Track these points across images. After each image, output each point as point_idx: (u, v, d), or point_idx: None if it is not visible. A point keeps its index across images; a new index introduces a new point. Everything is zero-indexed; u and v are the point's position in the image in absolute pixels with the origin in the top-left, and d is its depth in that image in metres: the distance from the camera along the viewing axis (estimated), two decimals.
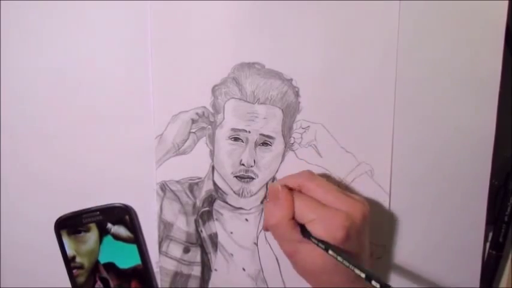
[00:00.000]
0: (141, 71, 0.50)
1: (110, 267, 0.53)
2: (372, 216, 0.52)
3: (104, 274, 0.53)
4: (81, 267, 0.53)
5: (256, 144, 0.51)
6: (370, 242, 0.54)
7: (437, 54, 0.51)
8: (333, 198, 0.45)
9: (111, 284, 0.53)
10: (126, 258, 0.53)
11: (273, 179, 0.52)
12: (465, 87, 0.52)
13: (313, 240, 0.44)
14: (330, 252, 0.43)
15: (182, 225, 0.53)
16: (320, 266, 0.45)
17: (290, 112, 0.51)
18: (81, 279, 0.53)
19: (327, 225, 0.43)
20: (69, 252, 0.53)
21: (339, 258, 0.42)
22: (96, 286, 0.53)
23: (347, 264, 0.42)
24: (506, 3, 0.49)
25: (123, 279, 0.53)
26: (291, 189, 0.47)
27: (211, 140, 0.51)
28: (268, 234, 0.53)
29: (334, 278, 0.45)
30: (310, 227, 0.44)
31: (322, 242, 0.43)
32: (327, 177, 0.52)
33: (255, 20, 0.49)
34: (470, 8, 0.50)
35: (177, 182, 0.52)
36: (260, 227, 0.53)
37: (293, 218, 0.46)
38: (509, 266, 0.57)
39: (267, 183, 0.52)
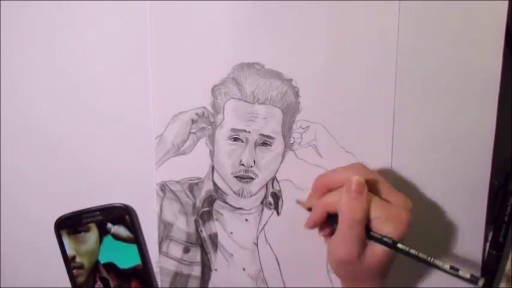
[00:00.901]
0: (140, 71, 0.50)
1: (110, 267, 0.53)
2: None
3: (104, 274, 0.53)
4: (81, 267, 0.53)
5: (256, 145, 0.51)
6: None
7: (437, 54, 0.51)
8: (389, 195, 0.47)
9: (111, 284, 0.53)
10: (126, 258, 0.53)
11: (273, 179, 0.52)
12: (465, 87, 0.52)
13: (377, 236, 0.45)
14: (400, 246, 0.44)
15: (182, 226, 0.53)
16: (381, 265, 0.46)
17: (290, 112, 0.51)
18: (81, 279, 0.53)
19: (394, 223, 0.45)
20: (69, 252, 0.53)
21: (412, 251, 0.44)
22: (96, 286, 0.53)
23: (423, 256, 0.44)
24: (506, 3, 0.49)
25: (123, 279, 0.53)
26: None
27: (211, 140, 0.51)
28: (268, 234, 0.53)
29: (385, 271, 0.47)
30: (375, 224, 0.45)
31: (388, 238, 0.44)
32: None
33: (254, 20, 0.49)
34: (470, 8, 0.50)
35: (177, 182, 0.52)
36: (260, 227, 0.53)
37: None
38: (509, 266, 0.57)
39: (266, 183, 0.52)
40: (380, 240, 0.44)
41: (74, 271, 0.53)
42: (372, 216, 0.45)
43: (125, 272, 0.53)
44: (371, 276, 0.47)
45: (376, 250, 0.45)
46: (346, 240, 0.46)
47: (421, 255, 0.44)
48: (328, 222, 0.48)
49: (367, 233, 0.45)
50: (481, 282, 0.42)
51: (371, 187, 0.47)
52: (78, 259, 0.53)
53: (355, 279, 0.48)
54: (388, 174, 0.52)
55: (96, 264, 0.53)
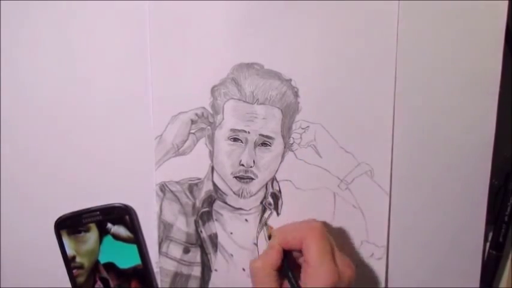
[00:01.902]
0: (140, 71, 0.50)
1: (110, 267, 0.53)
2: (372, 218, 0.52)
3: (104, 274, 0.53)
4: (81, 267, 0.53)
5: (255, 145, 0.51)
6: (370, 242, 0.54)
7: (437, 54, 0.50)
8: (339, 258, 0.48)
9: (111, 284, 0.53)
10: (126, 258, 0.53)
11: (273, 179, 0.52)
12: (465, 88, 0.52)
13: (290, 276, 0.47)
14: None
15: (182, 226, 0.53)
16: None
17: (289, 112, 0.51)
18: (81, 279, 0.53)
19: (318, 278, 0.46)
20: (69, 252, 0.53)
21: None
22: (96, 286, 0.53)
23: None
24: (506, 3, 0.49)
25: (123, 279, 0.53)
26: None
27: (211, 140, 0.51)
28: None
29: None
30: (303, 271, 0.47)
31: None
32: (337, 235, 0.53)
33: (253, 20, 0.49)
34: (470, 8, 0.49)
35: (177, 182, 0.52)
36: (260, 228, 0.53)
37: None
38: (509, 266, 0.57)
39: (266, 184, 0.52)
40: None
41: (74, 271, 0.53)
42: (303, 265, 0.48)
43: (125, 272, 0.53)
44: None
45: None
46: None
47: None
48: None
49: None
50: None
51: (307, 252, 0.47)
52: (78, 259, 0.53)
53: None
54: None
55: (96, 264, 0.53)
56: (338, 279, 0.45)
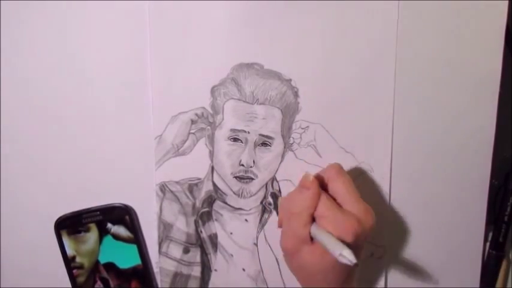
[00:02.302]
0: (140, 72, 0.50)
1: (110, 267, 0.53)
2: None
3: (104, 274, 0.53)
4: (81, 267, 0.53)
5: (255, 145, 0.51)
6: (370, 242, 0.54)
7: (436, 54, 0.50)
8: (351, 200, 0.46)
9: (111, 284, 0.53)
10: (126, 258, 0.53)
11: (273, 179, 0.52)
12: (465, 87, 0.52)
13: (319, 234, 0.44)
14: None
15: (182, 226, 0.53)
16: (318, 268, 0.45)
17: (289, 112, 0.51)
18: (81, 279, 0.53)
19: (338, 228, 0.44)
20: (69, 252, 0.53)
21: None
22: (96, 286, 0.53)
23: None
24: (506, 3, 0.49)
25: (123, 279, 0.53)
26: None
27: (211, 140, 0.51)
28: (268, 234, 0.53)
29: (328, 278, 0.45)
30: (322, 222, 0.45)
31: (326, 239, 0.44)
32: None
33: (253, 20, 0.49)
34: (470, 8, 0.49)
35: (177, 182, 0.52)
36: (260, 228, 0.53)
37: (312, 213, 0.46)
38: (510, 266, 0.57)
39: (266, 184, 0.52)
40: (318, 235, 0.44)
41: (74, 271, 0.53)
42: (320, 213, 0.45)
43: (125, 272, 0.53)
44: (315, 278, 0.46)
45: (315, 249, 0.45)
46: (284, 230, 0.47)
47: None
48: None
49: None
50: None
51: (334, 189, 0.47)
52: (78, 259, 0.53)
53: (301, 278, 0.48)
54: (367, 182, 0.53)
55: (96, 264, 0.53)
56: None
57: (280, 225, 0.49)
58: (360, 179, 0.53)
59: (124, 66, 0.50)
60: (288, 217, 0.46)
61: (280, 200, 0.52)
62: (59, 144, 0.52)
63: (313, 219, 0.46)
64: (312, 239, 0.45)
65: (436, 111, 0.52)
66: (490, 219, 0.55)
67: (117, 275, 0.53)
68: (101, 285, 0.53)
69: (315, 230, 0.45)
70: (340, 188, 0.47)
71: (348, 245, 0.41)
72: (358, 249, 0.44)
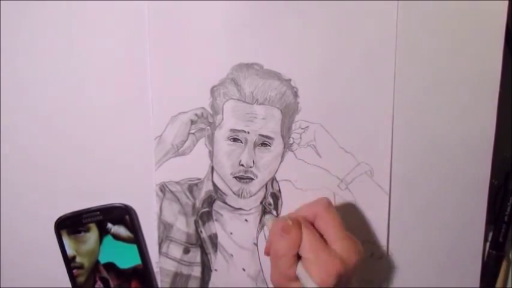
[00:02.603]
0: (139, 72, 0.50)
1: (110, 267, 0.53)
2: (372, 217, 0.52)
3: (104, 274, 0.53)
4: (81, 267, 0.53)
5: (255, 145, 0.51)
6: (370, 242, 0.54)
7: (436, 54, 0.50)
8: (336, 238, 0.46)
9: (111, 284, 0.53)
10: (126, 258, 0.53)
11: (273, 179, 0.52)
12: (465, 88, 0.51)
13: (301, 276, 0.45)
14: None
15: (182, 226, 0.53)
16: None
17: (289, 112, 0.51)
18: (81, 279, 0.53)
19: (321, 270, 0.44)
20: (69, 252, 0.53)
21: None
22: (96, 286, 0.53)
23: None
24: (506, 3, 0.49)
25: (123, 279, 0.54)
26: (304, 219, 0.48)
27: (211, 140, 0.51)
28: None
29: None
30: (304, 263, 0.45)
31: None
32: (344, 208, 0.53)
33: (253, 20, 0.49)
34: (470, 8, 0.49)
35: (177, 183, 0.52)
36: (260, 228, 0.53)
37: (296, 254, 0.46)
38: (510, 266, 0.57)
39: (266, 184, 0.52)
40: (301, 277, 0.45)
41: (74, 271, 0.53)
42: (303, 254, 0.45)
43: (125, 272, 0.53)
44: None
45: None
46: (272, 269, 0.48)
47: None
48: None
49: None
50: None
51: (321, 227, 0.47)
52: (78, 259, 0.53)
53: None
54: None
55: (96, 264, 0.53)
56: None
57: (267, 254, 0.50)
58: (359, 178, 0.53)
59: (124, 67, 0.50)
60: (275, 258, 0.47)
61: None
62: (59, 144, 0.52)
63: (299, 257, 0.46)
64: None
65: (436, 111, 0.52)
66: (490, 219, 0.55)
67: (117, 275, 0.54)
68: (101, 285, 0.54)
69: (299, 271, 0.45)
70: (326, 225, 0.47)
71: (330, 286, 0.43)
72: (343, 284, 0.45)
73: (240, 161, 0.51)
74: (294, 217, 0.47)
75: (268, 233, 0.50)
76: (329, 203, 0.48)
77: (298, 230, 0.46)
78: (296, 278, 0.46)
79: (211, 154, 0.52)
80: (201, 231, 0.53)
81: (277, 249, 0.46)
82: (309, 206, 0.50)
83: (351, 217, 0.53)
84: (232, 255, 0.54)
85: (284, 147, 0.52)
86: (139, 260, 0.53)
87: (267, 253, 0.49)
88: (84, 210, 0.52)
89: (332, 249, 0.45)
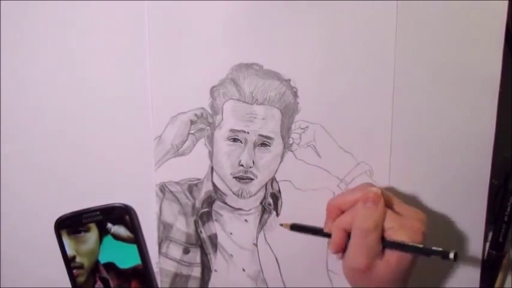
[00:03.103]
0: (139, 72, 0.50)
1: (110, 267, 0.53)
2: None
3: (104, 274, 0.53)
4: (81, 267, 0.53)
5: (255, 145, 0.51)
6: None
7: (436, 54, 0.50)
8: (401, 207, 0.48)
9: (111, 283, 0.53)
10: (126, 258, 0.53)
11: (272, 179, 0.52)
12: (465, 87, 0.51)
13: (391, 241, 0.46)
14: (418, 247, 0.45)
15: (182, 226, 0.53)
16: (392, 277, 0.47)
17: (288, 112, 0.51)
18: (81, 279, 0.53)
19: (408, 231, 0.46)
20: (69, 252, 0.53)
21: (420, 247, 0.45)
22: (96, 286, 0.53)
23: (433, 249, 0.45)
24: (506, 3, 0.49)
25: (123, 279, 0.54)
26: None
27: (210, 141, 0.51)
28: (268, 234, 0.53)
29: (399, 282, 0.47)
30: (390, 234, 0.46)
31: (401, 243, 0.45)
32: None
33: (252, 20, 0.49)
34: (470, 8, 0.49)
35: (176, 183, 0.52)
36: (260, 228, 0.53)
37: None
38: (510, 266, 0.57)
39: (266, 184, 0.52)
40: (394, 244, 0.46)
41: (74, 271, 0.53)
42: (386, 226, 0.46)
43: (125, 272, 0.54)
44: (387, 286, 0.47)
45: (390, 259, 0.46)
46: (358, 249, 0.47)
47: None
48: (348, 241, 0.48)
49: (384, 242, 0.46)
50: (452, 255, 0.44)
51: (385, 202, 0.48)
52: (78, 259, 0.53)
53: None
54: (395, 192, 0.52)
55: (96, 264, 0.53)
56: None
57: (338, 249, 0.49)
58: (359, 178, 0.53)
59: (123, 67, 0.50)
60: (364, 235, 0.46)
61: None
62: (59, 144, 0.52)
63: None
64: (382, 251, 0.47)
65: (435, 111, 0.52)
66: (490, 219, 0.55)
67: (117, 275, 0.54)
68: (101, 285, 0.54)
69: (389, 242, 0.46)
70: (388, 197, 0.48)
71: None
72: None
73: (240, 161, 0.51)
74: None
75: (335, 226, 0.49)
76: (373, 185, 0.50)
77: (383, 199, 0.47)
78: (381, 253, 0.46)
79: (211, 154, 0.52)
80: (200, 232, 0.53)
81: (368, 222, 0.46)
82: (356, 189, 0.50)
83: None
84: (232, 255, 0.54)
85: (284, 148, 0.52)
86: (139, 260, 0.53)
87: (339, 246, 0.49)
88: (84, 210, 0.52)
89: (407, 215, 0.47)
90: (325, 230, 0.50)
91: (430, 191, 0.54)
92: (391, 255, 0.46)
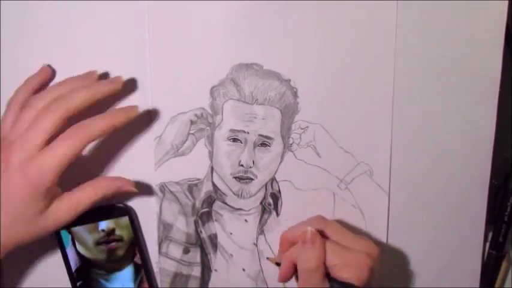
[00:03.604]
0: (139, 72, 0.50)
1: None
2: (371, 217, 0.53)
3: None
4: (120, 239, 0.52)
5: (255, 145, 0.51)
6: None
7: (436, 54, 0.50)
8: (350, 241, 0.47)
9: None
10: None
11: (272, 179, 0.52)
12: (465, 87, 0.51)
13: (338, 283, 0.45)
14: None
15: (182, 226, 0.53)
16: None
17: (288, 112, 0.51)
18: (120, 252, 0.52)
19: (353, 268, 0.45)
20: (109, 225, 0.52)
21: None
22: (135, 259, 0.53)
23: None
24: (506, 3, 0.49)
25: None
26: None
27: (210, 141, 0.51)
28: (268, 234, 0.53)
29: None
30: (335, 272, 0.45)
31: (349, 285, 0.44)
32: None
33: (252, 20, 0.49)
34: (470, 8, 0.49)
35: (176, 183, 0.52)
36: (260, 228, 0.53)
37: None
38: (510, 266, 0.57)
39: (266, 184, 0.52)
40: (340, 285, 0.45)
41: (113, 244, 0.52)
42: (330, 264, 0.45)
43: None
44: None
45: None
46: None
47: None
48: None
49: (329, 279, 0.46)
50: None
51: (330, 236, 0.47)
52: (117, 231, 0.52)
53: None
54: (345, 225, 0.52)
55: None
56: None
57: (283, 280, 0.49)
58: (359, 178, 0.53)
59: (123, 67, 0.50)
60: (307, 275, 0.46)
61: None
62: None
63: None
64: None
65: (435, 111, 0.52)
66: (490, 219, 0.55)
67: None
68: (140, 258, 0.53)
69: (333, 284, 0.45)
70: (335, 232, 0.48)
71: (368, 281, 0.44)
72: (375, 279, 0.46)
73: (240, 161, 0.51)
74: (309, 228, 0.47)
75: (283, 258, 0.49)
76: (323, 218, 0.49)
77: (320, 237, 0.46)
78: None
79: (211, 154, 0.52)
80: (200, 232, 0.53)
81: (309, 263, 0.45)
82: (307, 221, 0.50)
83: (349, 217, 0.53)
84: (232, 255, 0.54)
85: (284, 148, 0.52)
86: None
87: (285, 277, 0.49)
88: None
89: (353, 249, 0.46)
90: (275, 261, 0.51)
91: (430, 191, 0.54)
92: None
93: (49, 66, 0.49)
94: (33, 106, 0.44)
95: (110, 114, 0.45)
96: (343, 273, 0.45)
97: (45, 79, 0.48)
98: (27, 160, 0.42)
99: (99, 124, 0.44)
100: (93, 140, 0.44)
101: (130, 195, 0.52)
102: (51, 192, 0.44)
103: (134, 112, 0.46)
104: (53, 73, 0.49)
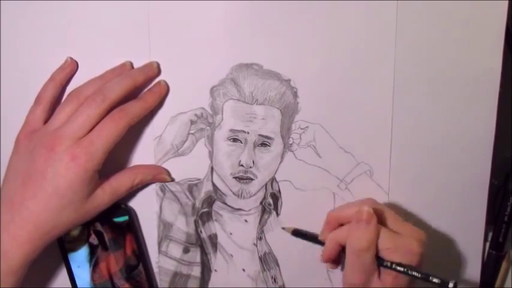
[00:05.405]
0: None
1: (104, 220, 0.52)
2: None
3: (99, 227, 0.52)
4: None
5: (255, 145, 0.51)
6: None
7: (436, 54, 0.50)
8: (400, 227, 0.47)
9: (106, 237, 0.52)
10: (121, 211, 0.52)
11: (272, 179, 0.52)
12: (465, 87, 0.51)
13: (393, 266, 0.45)
14: (413, 273, 0.45)
15: (182, 226, 0.53)
16: None
17: (288, 113, 0.51)
18: (74, 233, 0.52)
19: (405, 253, 0.45)
20: None
21: (416, 274, 0.45)
22: (90, 240, 0.52)
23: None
24: (506, 3, 0.49)
25: (118, 232, 0.52)
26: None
27: (210, 141, 0.51)
28: (268, 235, 0.53)
29: None
30: (386, 254, 0.46)
31: (403, 265, 0.45)
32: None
33: (252, 20, 0.49)
34: (470, 8, 0.49)
35: (177, 183, 0.52)
36: (260, 228, 0.53)
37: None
38: (510, 266, 0.57)
39: (266, 184, 0.52)
40: (390, 265, 0.45)
41: None
42: (382, 247, 0.46)
43: (120, 225, 0.52)
44: None
45: (386, 279, 0.46)
46: (353, 267, 0.46)
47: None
48: (343, 255, 0.49)
49: (379, 261, 0.46)
50: (451, 284, 0.45)
51: (381, 220, 0.47)
52: None
53: None
54: (396, 209, 0.52)
55: None
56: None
57: (327, 261, 0.50)
58: (359, 178, 0.53)
59: None
60: (357, 254, 0.46)
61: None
62: None
63: None
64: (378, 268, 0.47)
65: (435, 111, 0.52)
66: (490, 219, 0.55)
67: (111, 228, 0.52)
68: (95, 239, 0.53)
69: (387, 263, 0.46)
70: (387, 215, 0.48)
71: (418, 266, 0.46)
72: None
73: (240, 162, 0.51)
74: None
75: (329, 238, 0.49)
76: (376, 202, 0.49)
77: (375, 218, 0.46)
78: (377, 271, 0.46)
79: (210, 154, 0.52)
80: (200, 231, 0.53)
81: (361, 242, 0.45)
82: (358, 202, 0.49)
83: None
84: (232, 255, 0.54)
85: (284, 148, 0.52)
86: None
87: (329, 257, 0.49)
88: None
89: (405, 235, 0.47)
90: (320, 238, 0.50)
91: (430, 191, 0.54)
92: (387, 276, 0.46)
93: (71, 58, 0.50)
94: (77, 97, 0.47)
95: (143, 98, 0.48)
96: (395, 257, 0.45)
97: (70, 72, 0.50)
98: (75, 146, 0.44)
99: (136, 108, 0.47)
100: (133, 123, 0.47)
101: (130, 194, 0.52)
102: (96, 177, 0.46)
103: (164, 90, 0.50)
104: (76, 65, 0.50)
